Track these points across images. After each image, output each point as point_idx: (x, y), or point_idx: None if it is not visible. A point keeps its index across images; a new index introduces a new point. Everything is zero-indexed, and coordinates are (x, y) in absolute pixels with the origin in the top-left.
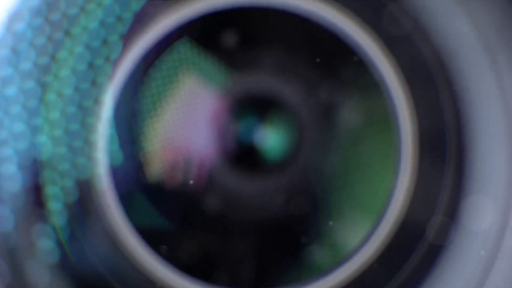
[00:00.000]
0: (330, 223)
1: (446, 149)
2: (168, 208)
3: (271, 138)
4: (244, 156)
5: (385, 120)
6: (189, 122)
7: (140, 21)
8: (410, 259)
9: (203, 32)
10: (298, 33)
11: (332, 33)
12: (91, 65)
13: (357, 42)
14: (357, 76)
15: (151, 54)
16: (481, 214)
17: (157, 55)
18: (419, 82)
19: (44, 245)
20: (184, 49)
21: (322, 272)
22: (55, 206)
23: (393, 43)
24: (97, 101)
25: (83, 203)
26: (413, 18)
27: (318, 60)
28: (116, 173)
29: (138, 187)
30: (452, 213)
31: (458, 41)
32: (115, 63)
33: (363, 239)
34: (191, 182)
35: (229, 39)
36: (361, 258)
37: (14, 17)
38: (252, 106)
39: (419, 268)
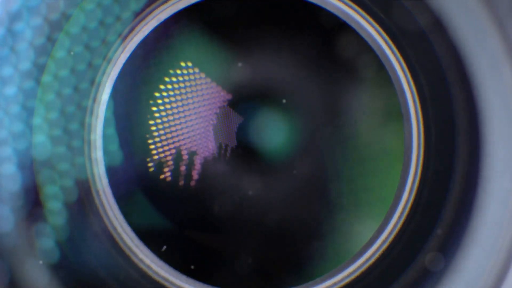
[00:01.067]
0: (339, 224)
1: (456, 148)
2: (168, 208)
3: (275, 134)
4: (247, 152)
5: (393, 117)
6: (190, 118)
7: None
8: (411, 264)
9: (202, 20)
10: (306, 23)
11: (342, 24)
12: (90, 64)
13: (366, 32)
14: (366, 69)
15: (149, 48)
16: (493, 219)
17: (154, 49)
18: (431, 77)
19: (44, 245)
20: (182, 40)
21: (322, 274)
22: (54, 206)
23: (404, 35)
24: (96, 100)
25: (82, 203)
26: (427, 9)
27: (326, 52)
28: (115, 173)
29: (137, 187)
30: (460, 216)
31: (474, 34)
32: (114, 61)
33: (366, 242)
34: (192, 181)
35: (232, 28)
36: (363, 261)
37: (13, 16)
38: (255, 100)
39: (422, 272)
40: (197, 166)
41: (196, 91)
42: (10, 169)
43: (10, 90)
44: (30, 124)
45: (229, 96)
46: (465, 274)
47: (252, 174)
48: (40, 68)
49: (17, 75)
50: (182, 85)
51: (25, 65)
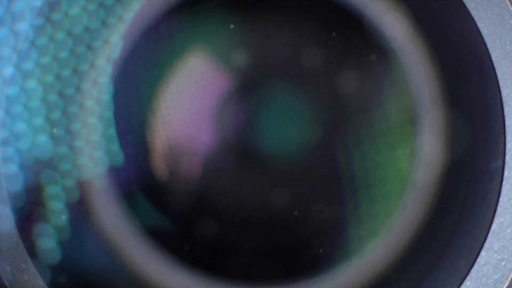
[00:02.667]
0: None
1: (474, 146)
2: (169, 208)
3: (283, 130)
4: (252, 149)
5: (409, 114)
6: (192, 117)
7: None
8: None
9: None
10: (317, 12)
11: (357, 16)
12: (92, 64)
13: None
14: (381, 63)
15: (150, 44)
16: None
17: (156, 44)
18: (451, 71)
19: (44, 245)
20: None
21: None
22: (56, 206)
23: (427, 29)
24: (98, 100)
25: (84, 203)
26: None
27: (337, 42)
28: (116, 173)
29: (138, 186)
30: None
31: (497, 29)
32: (115, 62)
33: (378, 242)
34: (194, 180)
35: (239, 15)
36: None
37: (16, 16)
38: (263, 95)
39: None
40: (200, 164)
41: (200, 84)
42: (12, 169)
43: (12, 90)
44: (33, 124)
45: (235, 92)
46: (489, 272)
47: (258, 171)
48: (45, 70)
49: (20, 76)
50: (183, 79)
51: (29, 65)
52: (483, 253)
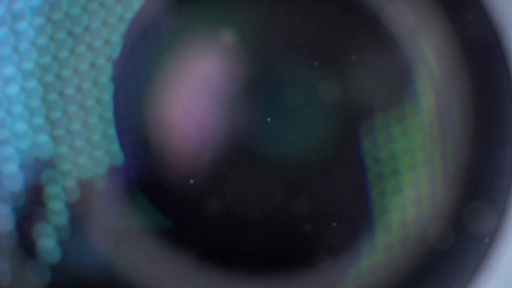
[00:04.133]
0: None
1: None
2: (170, 208)
3: (286, 129)
4: (253, 149)
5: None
6: (192, 116)
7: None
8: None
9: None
10: (333, 6)
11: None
12: (92, 65)
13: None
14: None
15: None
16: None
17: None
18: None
19: (44, 245)
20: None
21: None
22: (56, 206)
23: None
24: (98, 100)
25: (84, 203)
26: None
27: (346, 34)
28: (116, 173)
29: (138, 186)
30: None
31: None
32: (116, 62)
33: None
34: (196, 179)
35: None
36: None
37: (16, 16)
38: (269, 96)
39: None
40: (202, 164)
41: (200, 82)
42: (13, 168)
43: (13, 90)
44: (33, 124)
45: (239, 91)
46: (499, 272)
47: (264, 172)
48: (45, 70)
49: (20, 75)
50: (184, 78)
51: (30, 65)
52: (492, 252)
